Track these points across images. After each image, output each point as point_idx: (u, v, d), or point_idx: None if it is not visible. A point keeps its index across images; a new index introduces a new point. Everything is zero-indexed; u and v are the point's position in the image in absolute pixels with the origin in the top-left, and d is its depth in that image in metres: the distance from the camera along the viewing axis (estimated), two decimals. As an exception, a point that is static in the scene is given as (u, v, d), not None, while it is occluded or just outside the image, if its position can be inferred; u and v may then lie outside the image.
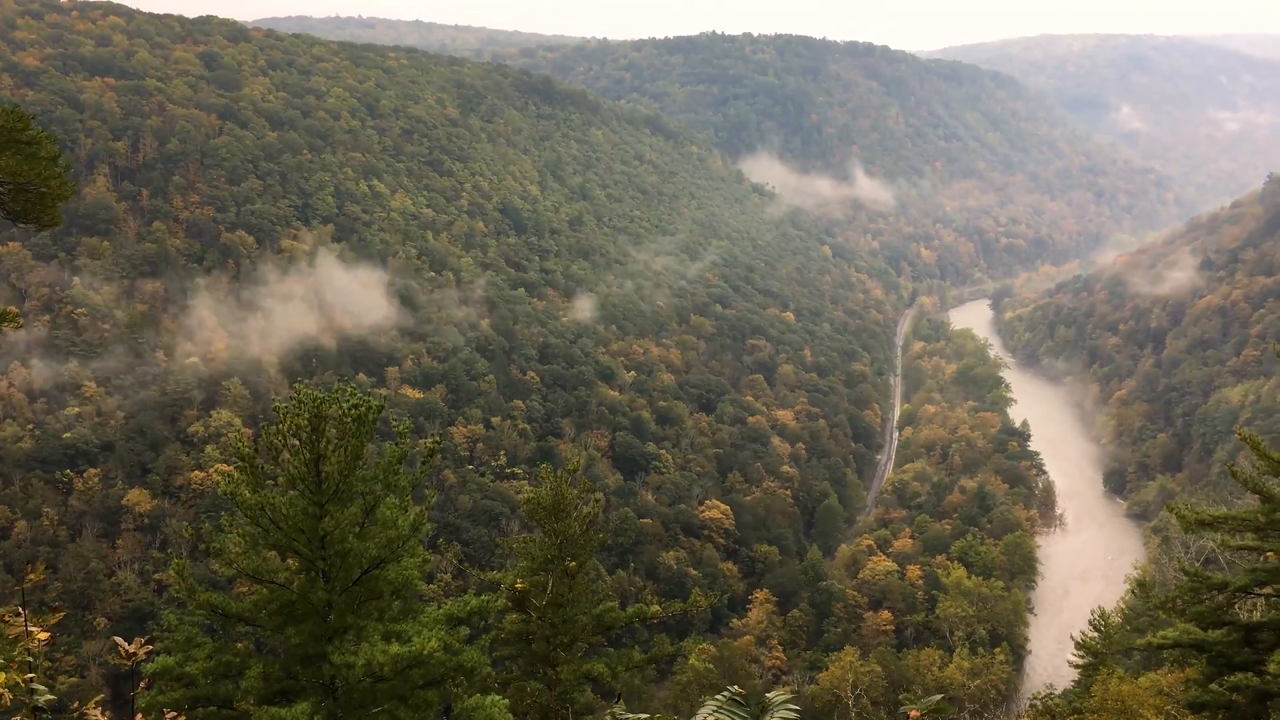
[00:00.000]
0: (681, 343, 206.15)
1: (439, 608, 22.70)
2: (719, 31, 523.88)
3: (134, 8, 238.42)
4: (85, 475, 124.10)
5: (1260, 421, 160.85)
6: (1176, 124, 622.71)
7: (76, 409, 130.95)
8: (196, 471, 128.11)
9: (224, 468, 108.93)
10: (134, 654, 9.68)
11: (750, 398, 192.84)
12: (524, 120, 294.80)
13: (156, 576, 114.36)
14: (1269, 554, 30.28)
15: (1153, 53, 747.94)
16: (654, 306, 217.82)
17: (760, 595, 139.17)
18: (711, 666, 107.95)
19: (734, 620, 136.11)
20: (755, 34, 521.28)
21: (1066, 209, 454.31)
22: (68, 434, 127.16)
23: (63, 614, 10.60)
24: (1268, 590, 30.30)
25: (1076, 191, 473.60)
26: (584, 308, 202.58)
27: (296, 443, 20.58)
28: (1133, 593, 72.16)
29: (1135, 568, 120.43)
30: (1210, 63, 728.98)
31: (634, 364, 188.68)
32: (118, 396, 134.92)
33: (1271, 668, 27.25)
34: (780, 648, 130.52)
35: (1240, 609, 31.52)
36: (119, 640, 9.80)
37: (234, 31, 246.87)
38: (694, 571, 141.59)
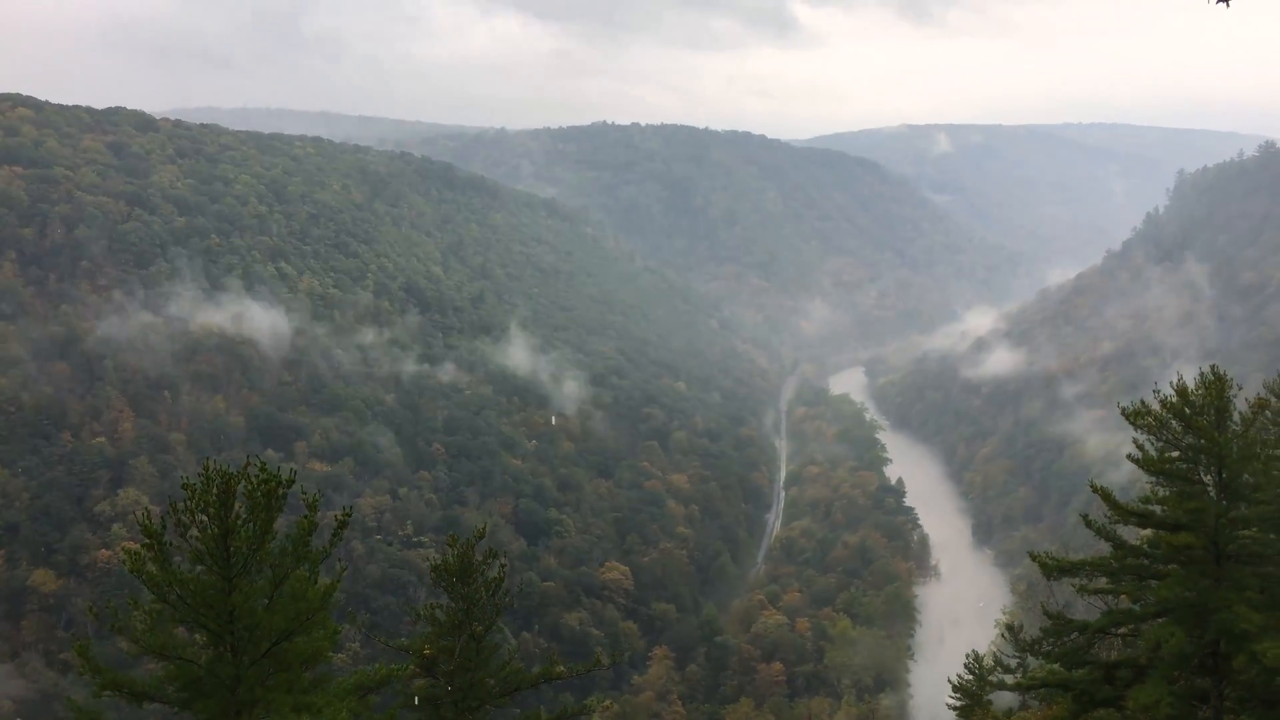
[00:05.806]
0: (580, 412, 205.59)
1: (349, 677, 22.02)
2: (609, 121, 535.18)
3: (43, 99, 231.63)
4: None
5: (1110, 474, 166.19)
6: (1025, 204, 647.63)
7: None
8: (104, 550, 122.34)
9: (130, 545, 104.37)
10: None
11: (646, 463, 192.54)
12: (427, 205, 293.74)
13: (62, 657, 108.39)
14: (1123, 595, 31.24)
15: (1000, 140, 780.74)
16: (554, 377, 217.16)
17: (660, 652, 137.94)
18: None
19: (635, 677, 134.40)
20: (643, 124, 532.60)
21: (931, 283, 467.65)
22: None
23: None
24: (1123, 630, 31.20)
25: (939, 266, 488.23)
26: (485, 380, 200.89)
27: (205, 518, 19.91)
28: (1002, 636, 73.39)
29: (1004, 613, 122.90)
30: (1051, 150, 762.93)
31: (535, 433, 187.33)
32: (23, 478, 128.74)
33: (1130, 704, 27.97)
34: (680, 702, 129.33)
35: (1100, 649, 32.29)
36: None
37: (143, 122, 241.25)
38: (596, 631, 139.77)
